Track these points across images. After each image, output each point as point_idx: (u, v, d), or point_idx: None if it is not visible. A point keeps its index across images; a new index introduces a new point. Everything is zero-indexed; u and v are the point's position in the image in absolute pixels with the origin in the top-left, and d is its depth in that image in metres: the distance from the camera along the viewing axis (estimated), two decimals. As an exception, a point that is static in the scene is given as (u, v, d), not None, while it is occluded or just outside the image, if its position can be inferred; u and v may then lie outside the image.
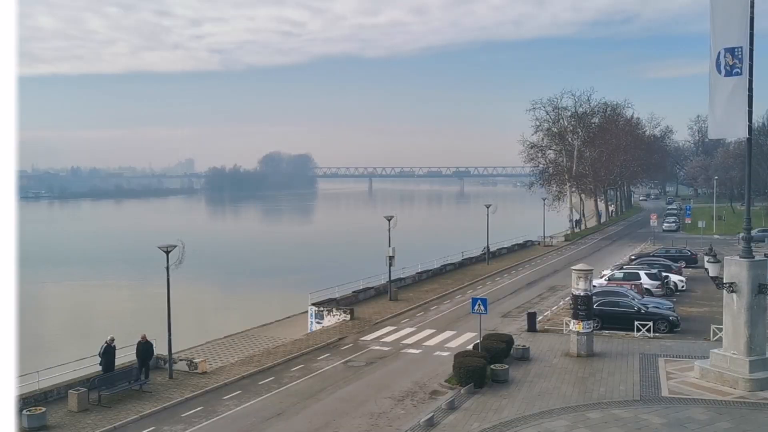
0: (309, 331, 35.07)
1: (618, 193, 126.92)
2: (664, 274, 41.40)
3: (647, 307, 31.80)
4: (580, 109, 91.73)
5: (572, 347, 26.72)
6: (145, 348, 24.61)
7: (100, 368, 23.78)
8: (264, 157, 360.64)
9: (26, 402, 21.52)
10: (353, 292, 40.81)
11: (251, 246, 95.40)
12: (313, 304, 36.57)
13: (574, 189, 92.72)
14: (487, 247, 59.20)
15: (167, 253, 24.38)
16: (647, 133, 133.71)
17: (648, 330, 29.61)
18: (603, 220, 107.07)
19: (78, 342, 36.59)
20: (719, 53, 21.37)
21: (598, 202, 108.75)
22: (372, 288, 42.29)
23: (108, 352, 23.73)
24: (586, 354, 26.30)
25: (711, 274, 23.20)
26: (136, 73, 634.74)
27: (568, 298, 33.07)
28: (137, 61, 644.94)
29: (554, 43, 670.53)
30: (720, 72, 21.43)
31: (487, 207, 58.64)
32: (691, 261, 52.50)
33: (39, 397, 22.19)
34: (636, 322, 29.95)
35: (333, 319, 35.39)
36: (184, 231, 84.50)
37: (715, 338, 27.39)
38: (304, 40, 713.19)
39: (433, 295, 42.50)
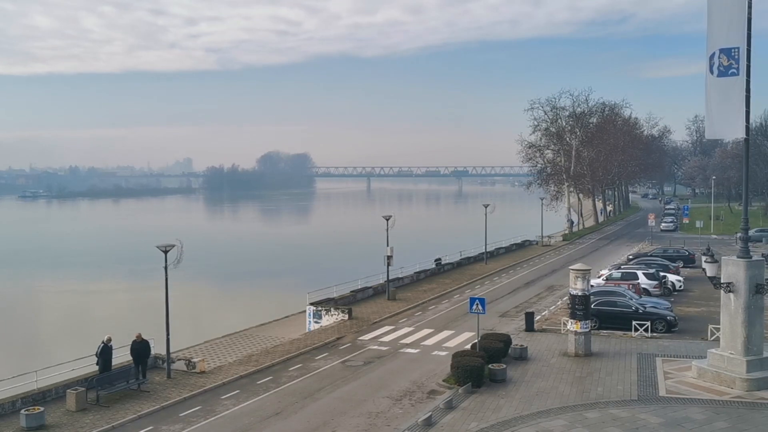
0: (307, 330, 35.08)
1: (616, 192, 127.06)
2: (661, 273, 41.45)
3: (645, 307, 31.84)
4: (578, 109, 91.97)
5: (570, 347, 26.77)
6: (141, 347, 24.53)
7: (97, 368, 23.77)
8: (262, 157, 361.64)
9: (24, 401, 21.52)
10: (351, 291, 40.83)
11: (249, 245, 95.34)
12: (312, 304, 36.58)
13: (572, 189, 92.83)
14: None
15: (165, 252, 24.38)
16: (645, 133, 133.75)
17: (646, 330, 29.66)
18: (601, 219, 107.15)
19: (76, 341, 36.55)
20: (713, 54, 21.42)
21: (596, 202, 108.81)
22: (370, 288, 42.31)
23: (105, 352, 23.68)
24: (584, 354, 26.35)
25: (708, 273, 23.21)
26: (132, 72, 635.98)
27: (566, 297, 33.09)
28: (133, 60, 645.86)
29: (551, 42, 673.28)
30: (713, 72, 21.48)
31: (486, 207, 58.63)
32: (689, 261, 52.64)
33: (37, 397, 22.19)
34: (634, 322, 29.99)
35: (331, 318, 35.41)
36: (182, 230, 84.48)
37: (713, 338, 27.47)
38: (301, 40, 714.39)
39: (431, 294, 42.51)
